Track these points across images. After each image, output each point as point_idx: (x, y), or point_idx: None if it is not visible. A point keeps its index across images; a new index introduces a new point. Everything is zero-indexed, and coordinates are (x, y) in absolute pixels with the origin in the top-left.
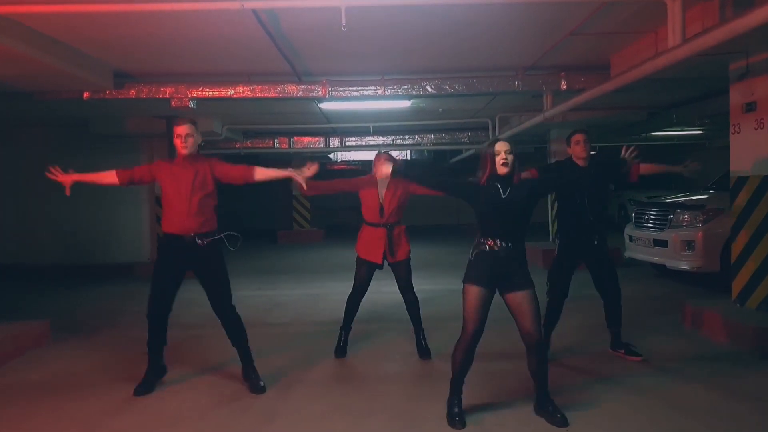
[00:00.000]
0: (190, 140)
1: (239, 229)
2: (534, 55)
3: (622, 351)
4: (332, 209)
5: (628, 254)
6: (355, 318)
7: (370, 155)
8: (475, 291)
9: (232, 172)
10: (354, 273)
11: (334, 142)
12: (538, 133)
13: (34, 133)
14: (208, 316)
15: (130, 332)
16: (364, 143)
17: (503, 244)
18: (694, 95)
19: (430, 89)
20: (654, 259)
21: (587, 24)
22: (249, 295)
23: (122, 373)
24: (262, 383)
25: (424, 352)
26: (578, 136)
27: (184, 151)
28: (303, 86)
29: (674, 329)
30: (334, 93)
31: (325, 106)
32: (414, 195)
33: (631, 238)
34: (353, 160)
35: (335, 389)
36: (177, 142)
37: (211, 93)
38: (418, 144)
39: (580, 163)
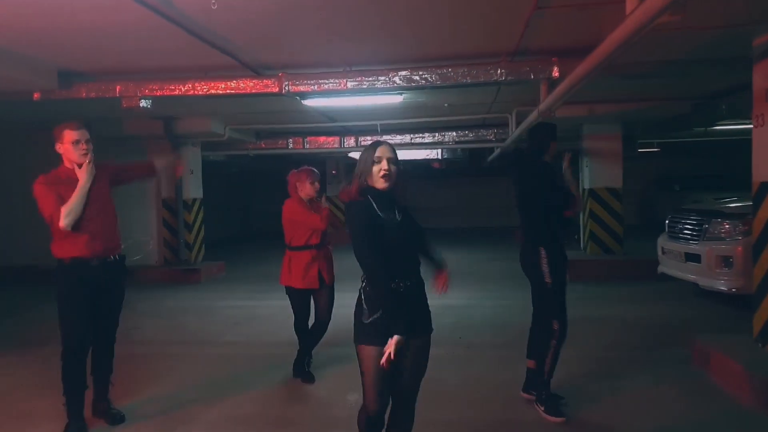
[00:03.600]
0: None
1: (250, 231)
2: (513, 36)
3: (534, 396)
4: None
5: (660, 269)
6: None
7: (406, 154)
8: (374, 353)
9: None
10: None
11: (349, 141)
12: (571, 128)
13: (40, 136)
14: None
15: None
16: None
17: (407, 283)
18: (746, 81)
19: (398, 81)
20: (686, 276)
21: None
22: (225, 306)
23: (43, 393)
24: (120, 413)
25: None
26: None
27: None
28: (258, 81)
29: (680, 367)
30: (290, 87)
31: (309, 102)
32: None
33: (663, 251)
34: None
35: None
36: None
37: (160, 91)
38: (440, 142)
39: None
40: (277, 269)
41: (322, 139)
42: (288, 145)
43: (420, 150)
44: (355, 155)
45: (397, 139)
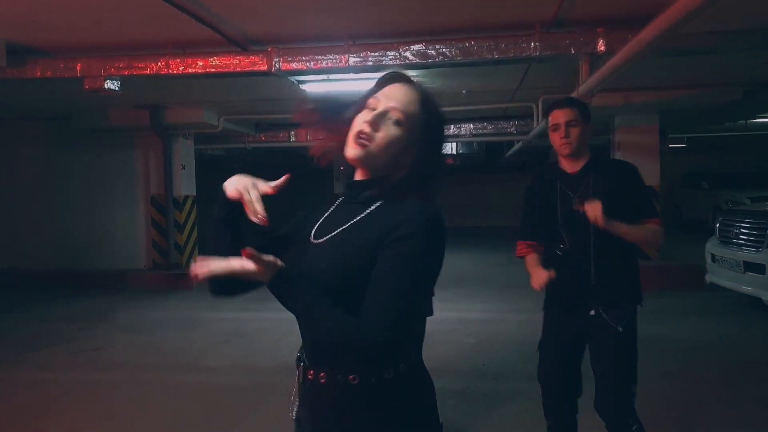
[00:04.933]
0: None
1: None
2: (550, 3)
3: None
4: None
5: (710, 278)
6: None
7: None
8: None
9: None
10: None
11: None
12: (601, 119)
13: (18, 127)
14: None
15: (31, 374)
16: None
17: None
18: None
19: (410, 57)
20: (744, 288)
21: None
22: (213, 319)
23: None
24: None
25: None
26: (557, 113)
27: None
28: (242, 58)
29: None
30: (281, 65)
31: (309, 87)
32: None
33: (713, 258)
34: None
35: None
36: None
37: (129, 70)
38: (456, 135)
39: (566, 167)
40: None
41: None
42: (290, 138)
43: None
44: None
45: None
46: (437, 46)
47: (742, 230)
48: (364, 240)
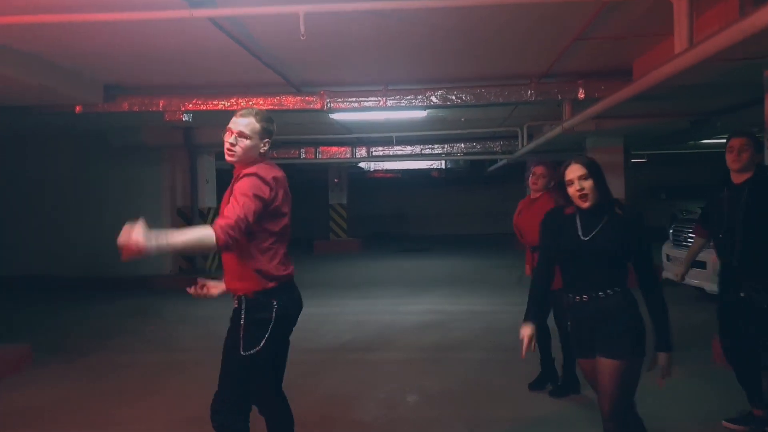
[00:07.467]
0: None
1: None
2: (546, 61)
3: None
4: (372, 216)
5: (665, 275)
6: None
7: (413, 164)
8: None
9: None
10: None
11: (361, 152)
12: (576, 141)
13: (55, 144)
14: None
15: (119, 357)
16: (392, 153)
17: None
18: (741, 102)
19: (435, 100)
20: (691, 281)
21: (594, 27)
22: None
23: (93, 406)
24: None
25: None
26: (733, 141)
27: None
28: (300, 98)
29: (703, 368)
30: (332, 105)
31: (337, 116)
32: None
33: (668, 257)
34: (393, 169)
35: None
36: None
37: (204, 106)
38: (449, 153)
39: (734, 179)
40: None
41: (334, 149)
42: (300, 155)
43: (427, 161)
44: (365, 165)
45: (408, 149)
46: (455, 92)
47: (689, 235)
48: (617, 235)
